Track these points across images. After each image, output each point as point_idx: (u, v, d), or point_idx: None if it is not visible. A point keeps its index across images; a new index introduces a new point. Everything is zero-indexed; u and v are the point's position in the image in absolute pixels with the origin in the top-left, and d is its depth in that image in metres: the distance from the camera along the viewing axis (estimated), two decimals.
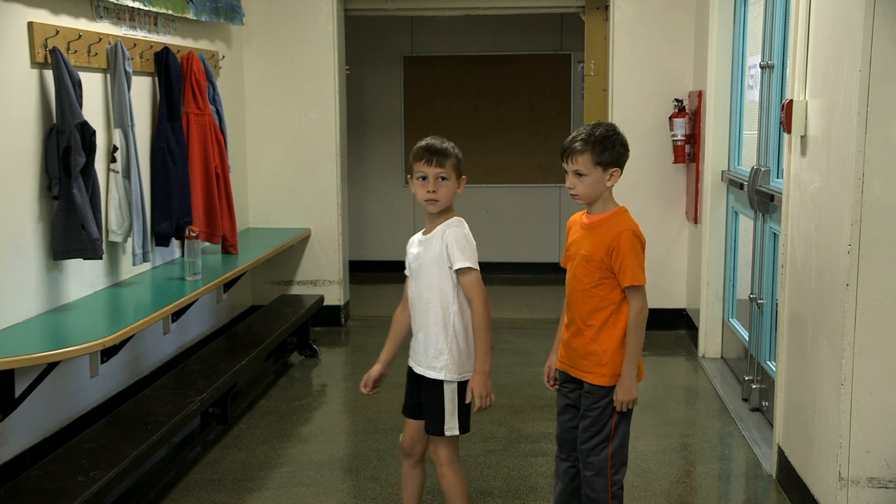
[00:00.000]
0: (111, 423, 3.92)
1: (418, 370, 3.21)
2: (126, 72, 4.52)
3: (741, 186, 5.11)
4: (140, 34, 4.95)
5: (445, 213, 3.16)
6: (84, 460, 3.48)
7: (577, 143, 3.04)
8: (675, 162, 6.33)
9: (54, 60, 3.95)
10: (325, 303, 6.53)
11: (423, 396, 3.20)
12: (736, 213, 5.64)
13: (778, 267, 4.23)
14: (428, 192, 3.10)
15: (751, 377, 4.97)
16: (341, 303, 6.90)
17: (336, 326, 6.88)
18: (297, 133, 6.72)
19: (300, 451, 4.46)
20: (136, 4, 4.73)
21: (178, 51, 5.28)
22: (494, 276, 7.59)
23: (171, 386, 4.39)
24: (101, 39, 4.44)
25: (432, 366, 3.15)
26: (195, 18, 5.48)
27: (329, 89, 6.67)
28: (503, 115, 8.84)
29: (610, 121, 5.62)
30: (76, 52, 4.22)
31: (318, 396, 5.45)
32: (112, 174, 4.54)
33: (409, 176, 3.19)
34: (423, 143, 3.16)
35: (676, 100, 6.34)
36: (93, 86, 4.41)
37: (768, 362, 4.73)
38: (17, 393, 3.75)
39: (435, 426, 3.17)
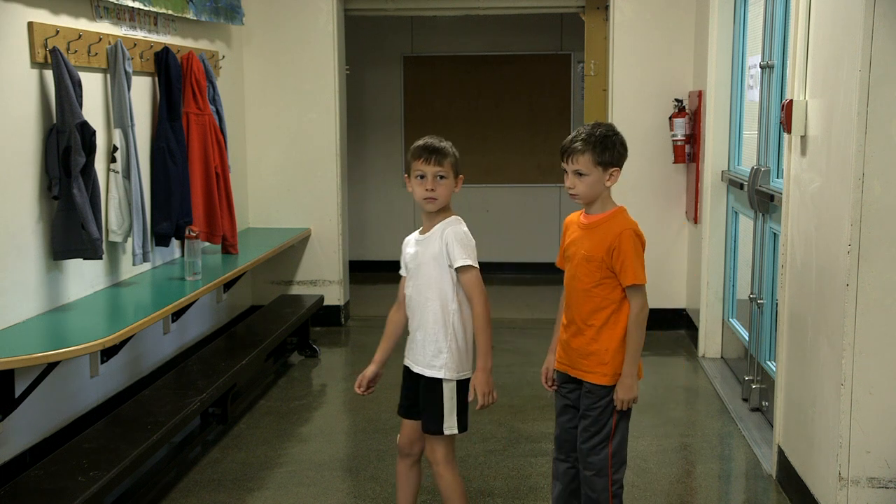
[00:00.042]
0: (111, 423, 3.92)
1: (416, 369, 3.20)
2: (126, 72, 4.52)
3: (741, 186, 5.11)
4: (140, 34, 4.95)
5: (443, 212, 3.16)
6: (84, 460, 3.48)
7: (577, 143, 3.04)
8: (675, 162, 6.33)
9: (54, 60, 3.95)
10: (325, 303, 6.53)
11: (420, 395, 3.19)
12: (736, 213, 5.64)
13: (778, 267, 4.23)
14: (426, 190, 3.10)
15: (751, 377, 4.97)
16: (341, 303, 6.90)
17: (336, 326, 6.88)
18: (297, 133, 6.73)
19: (300, 451, 4.46)
20: (136, 4, 4.73)
21: (178, 51, 5.28)
22: (494, 276, 7.59)
23: (171, 386, 4.39)
24: (101, 39, 4.44)
25: (431, 364, 3.14)
26: (195, 18, 5.48)
27: (329, 89, 6.67)
28: (503, 115, 8.83)
29: (610, 121, 5.63)
30: (76, 52, 4.22)
31: (318, 396, 5.45)
32: (112, 174, 4.54)
33: (406, 175, 3.20)
34: (420, 142, 3.16)
35: (676, 100, 6.34)
36: (93, 86, 4.41)
37: (768, 362, 4.73)
38: (17, 393, 3.75)
39: (433, 425, 3.16)
